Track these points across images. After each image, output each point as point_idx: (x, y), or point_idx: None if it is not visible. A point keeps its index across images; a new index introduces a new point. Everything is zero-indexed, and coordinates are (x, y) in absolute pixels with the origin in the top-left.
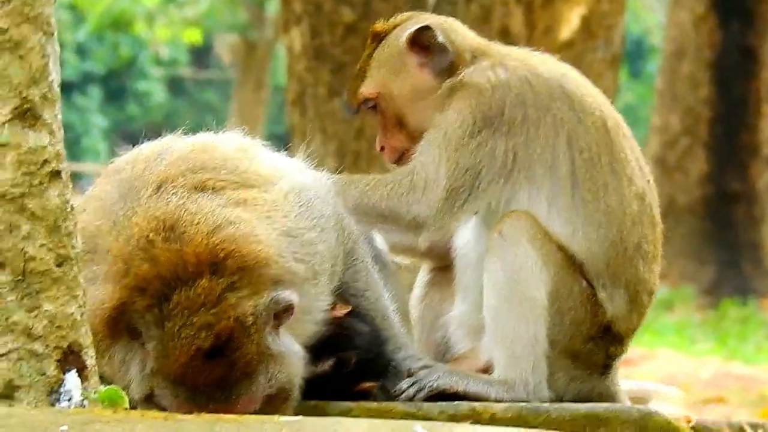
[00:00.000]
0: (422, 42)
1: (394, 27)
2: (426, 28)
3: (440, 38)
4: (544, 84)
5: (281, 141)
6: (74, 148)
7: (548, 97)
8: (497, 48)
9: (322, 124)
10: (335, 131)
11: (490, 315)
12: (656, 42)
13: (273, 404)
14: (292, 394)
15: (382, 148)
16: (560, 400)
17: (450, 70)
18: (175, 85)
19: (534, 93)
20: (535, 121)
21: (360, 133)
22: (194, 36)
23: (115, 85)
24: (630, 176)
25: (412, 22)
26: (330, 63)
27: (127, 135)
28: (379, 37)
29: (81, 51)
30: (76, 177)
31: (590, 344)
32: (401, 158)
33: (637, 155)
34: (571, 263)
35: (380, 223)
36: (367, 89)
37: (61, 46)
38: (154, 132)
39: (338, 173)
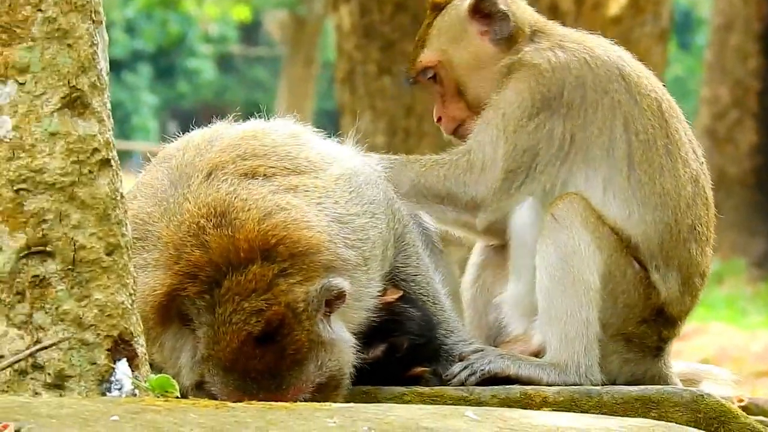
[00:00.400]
0: (483, 10)
1: None
2: None
3: (501, 6)
4: (602, 66)
5: (331, 117)
6: (124, 126)
7: (606, 80)
8: (555, 27)
9: (372, 102)
10: (385, 108)
11: (543, 297)
12: (704, 14)
13: (323, 392)
14: (343, 382)
15: (440, 119)
16: (613, 382)
17: (509, 41)
18: (224, 63)
19: (593, 75)
20: (593, 104)
21: (410, 110)
22: (243, 13)
23: (165, 63)
24: (684, 158)
25: None
26: (379, 41)
27: (177, 113)
28: (439, 7)
29: (130, 29)
30: (126, 156)
31: (643, 327)
32: (458, 129)
33: (690, 137)
34: (625, 246)
35: (437, 203)
36: (427, 57)
37: (110, 24)
38: (204, 109)
39: (388, 150)
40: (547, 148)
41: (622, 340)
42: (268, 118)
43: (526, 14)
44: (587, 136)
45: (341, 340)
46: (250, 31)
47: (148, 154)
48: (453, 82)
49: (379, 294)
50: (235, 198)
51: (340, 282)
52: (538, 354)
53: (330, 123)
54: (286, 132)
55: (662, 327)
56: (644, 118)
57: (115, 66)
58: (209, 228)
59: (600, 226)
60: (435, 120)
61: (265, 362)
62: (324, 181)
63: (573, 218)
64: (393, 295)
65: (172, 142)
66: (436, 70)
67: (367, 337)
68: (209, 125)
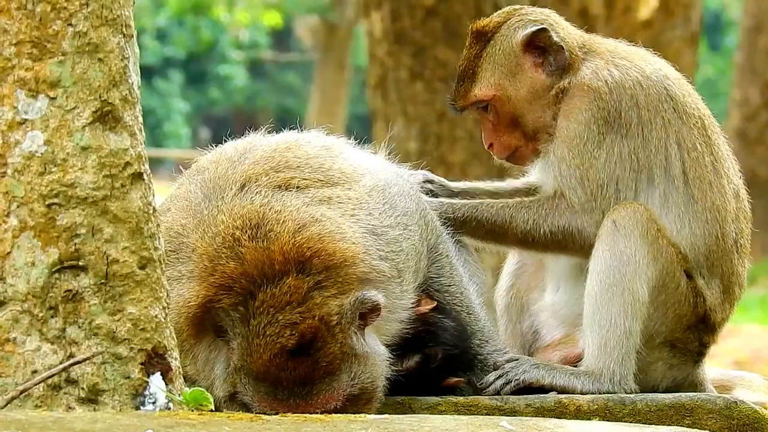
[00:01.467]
0: (537, 43)
1: (499, 25)
2: (542, 30)
3: (556, 38)
4: (652, 86)
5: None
6: (156, 133)
7: (657, 99)
8: (601, 43)
9: (404, 108)
10: (417, 114)
11: (590, 302)
12: (734, 15)
13: (356, 404)
14: (376, 394)
15: (491, 145)
16: (657, 388)
17: (564, 69)
18: (256, 69)
19: (645, 95)
20: (647, 123)
21: (442, 115)
22: (274, 19)
23: (196, 70)
24: (728, 174)
25: (520, 20)
26: (411, 46)
27: (209, 119)
28: (485, 36)
29: (161, 36)
30: (158, 163)
31: (687, 332)
32: (512, 155)
33: (728, 150)
34: (680, 258)
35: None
36: (482, 92)
37: (141, 31)
38: (236, 115)
39: (420, 156)
40: (623, 174)
41: (667, 347)
42: (301, 128)
43: (573, 37)
44: (647, 155)
45: (375, 353)
46: (282, 37)
47: (180, 166)
48: (509, 113)
49: (413, 305)
50: (269, 210)
51: (375, 295)
52: (579, 358)
53: (362, 128)
54: (319, 144)
55: (703, 333)
56: (692, 135)
57: (147, 73)
58: (244, 240)
59: (659, 238)
60: (486, 146)
61: (298, 375)
62: (357, 193)
63: (633, 227)
64: (427, 306)
65: (205, 154)
66: (491, 102)
67: (401, 347)
68: (241, 133)
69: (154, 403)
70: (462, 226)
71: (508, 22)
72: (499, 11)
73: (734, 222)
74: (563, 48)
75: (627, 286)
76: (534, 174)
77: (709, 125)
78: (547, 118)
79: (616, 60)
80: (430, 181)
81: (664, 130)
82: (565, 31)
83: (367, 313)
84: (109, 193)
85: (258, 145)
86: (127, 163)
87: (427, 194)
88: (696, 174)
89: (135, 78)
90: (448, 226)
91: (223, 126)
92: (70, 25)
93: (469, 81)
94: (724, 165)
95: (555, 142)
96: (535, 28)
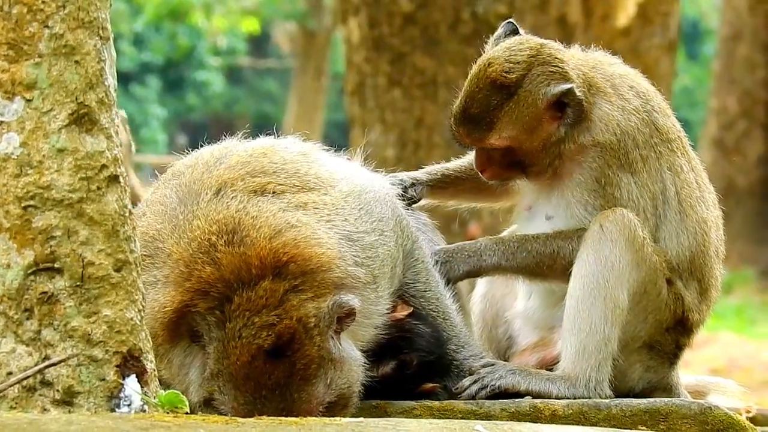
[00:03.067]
0: (561, 99)
1: (522, 78)
2: (570, 90)
3: (579, 95)
4: (645, 125)
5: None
6: (133, 139)
7: (649, 135)
8: (601, 72)
9: (382, 114)
10: (395, 121)
11: (572, 304)
12: (713, 24)
13: (332, 411)
14: (352, 400)
15: (484, 171)
16: (632, 390)
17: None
18: (233, 75)
19: (642, 135)
20: (646, 159)
21: (420, 122)
22: (252, 25)
23: (174, 76)
24: (705, 183)
25: (542, 73)
26: (389, 53)
27: (187, 125)
28: (507, 91)
29: (138, 41)
30: (135, 168)
31: (666, 335)
32: (502, 182)
33: (697, 159)
34: (664, 266)
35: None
36: (497, 142)
37: (119, 36)
38: (214, 121)
39: (398, 163)
40: (645, 204)
41: (645, 349)
42: (278, 134)
43: (578, 72)
44: (650, 185)
45: (351, 358)
46: (260, 44)
47: (157, 172)
48: (515, 156)
49: (389, 311)
50: (245, 215)
51: (351, 299)
52: (557, 360)
53: (340, 135)
54: (295, 149)
55: (681, 335)
56: (678, 159)
57: (124, 78)
58: (220, 245)
59: (645, 245)
60: (478, 171)
61: (275, 378)
62: (333, 198)
63: (620, 234)
64: (403, 312)
65: (181, 158)
66: (502, 149)
67: (377, 353)
68: (219, 139)
69: (129, 405)
70: (509, 257)
71: (530, 74)
72: (511, 50)
73: (716, 230)
74: (583, 104)
75: (610, 292)
76: (533, 199)
77: (684, 142)
78: (554, 160)
79: (619, 101)
80: (414, 184)
81: (658, 162)
82: (573, 70)
83: (343, 318)
84: (85, 196)
85: (234, 150)
86: (104, 166)
87: (405, 200)
88: (686, 194)
89: (111, 81)
90: (494, 259)
91: (201, 132)
92: (47, 27)
93: (485, 127)
94: (701, 177)
95: (570, 186)
96: (563, 89)
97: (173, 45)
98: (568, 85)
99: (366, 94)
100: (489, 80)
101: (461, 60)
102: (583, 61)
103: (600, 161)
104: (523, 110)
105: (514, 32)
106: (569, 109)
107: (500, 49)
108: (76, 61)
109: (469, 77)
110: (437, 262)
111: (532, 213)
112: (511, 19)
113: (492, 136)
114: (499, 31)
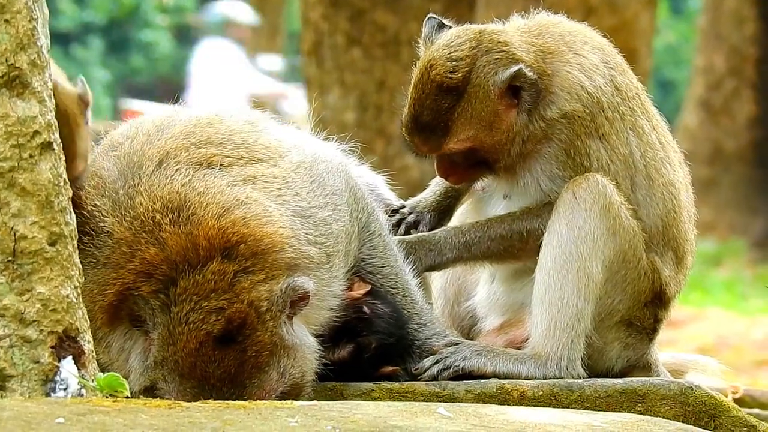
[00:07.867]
0: (512, 83)
1: (468, 74)
2: (518, 72)
3: (530, 74)
4: (606, 84)
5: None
6: None
7: (611, 95)
8: (552, 39)
9: (341, 76)
10: (355, 82)
11: (542, 278)
12: None
13: (283, 400)
14: (304, 391)
15: (448, 176)
16: (611, 369)
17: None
18: (182, 34)
19: (605, 97)
20: (612, 120)
21: (382, 84)
22: None
23: (118, 36)
24: (670, 142)
25: (488, 61)
26: (347, 9)
27: (132, 89)
28: (456, 91)
29: (80, 0)
30: None
31: (645, 309)
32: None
33: (656, 112)
34: (641, 234)
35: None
36: (456, 146)
37: None
38: (162, 84)
39: (358, 128)
40: (616, 168)
41: (624, 325)
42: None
43: (526, 49)
44: (619, 148)
45: (304, 344)
46: (210, 1)
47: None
48: (481, 157)
49: (344, 291)
50: (191, 191)
51: (305, 282)
52: (526, 341)
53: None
54: (242, 118)
55: (658, 308)
56: (639, 119)
57: (64, 39)
58: (165, 224)
59: (622, 211)
60: (443, 178)
61: (225, 367)
62: (283, 170)
63: (594, 201)
64: (360, 290)
65: (118, 127)
66: (464, 152)
67: (332, 336)
68: (167, 102)
69: (65, 389)
70: (473, 247)
71: (476, 67)
72: (450, 47)
73: (685, 191)
74: (537, 83)
75: (583, 264)
76: (496, 184)
77: (643, 98)
78: (521, 148)
79: (576, 59)
80: (396, 210)
81: (622, 124)
82: (520, 48)
83: (297, 302)
84: (16, 164)
85: (177, 118)
86: (36, 132)
87: (402, 227)
88: (650, 156)
89: (44, 40)
90: (455, 252)
91: (147, 96)
92: None
93: (441, 133)
94: (664, 135)
95: (539, 161)
96: (511, 72)
97: (116, 3)
98: (515, 68)
99: (323, 53)
100: (434, 84)
101: (426, 16)
102: (527, 32)
103: (568, 131)
104: (476, 107)
105: (441, 26)
106: (524, 92)
107: (439, 48)
108: (6, 20)
109: (413, 82)
110: None
111: (487, 193)
112: (431, 14)
113: (450, 141)
114: (426, 29)
